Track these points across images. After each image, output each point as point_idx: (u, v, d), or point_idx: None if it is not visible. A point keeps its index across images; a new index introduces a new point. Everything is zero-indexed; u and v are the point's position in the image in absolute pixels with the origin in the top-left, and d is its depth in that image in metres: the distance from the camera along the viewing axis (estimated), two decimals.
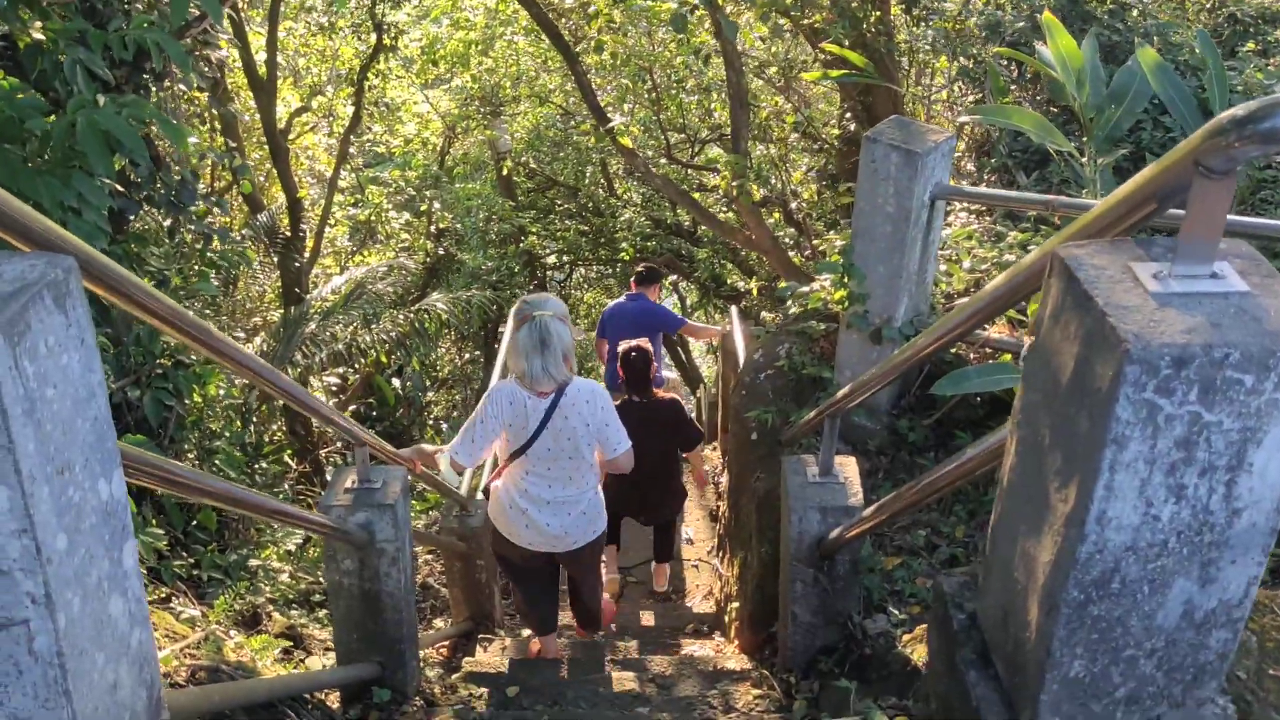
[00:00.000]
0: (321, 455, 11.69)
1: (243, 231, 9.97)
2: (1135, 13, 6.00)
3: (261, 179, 12.27)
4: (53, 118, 3.56)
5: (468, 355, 17.23)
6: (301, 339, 8.98)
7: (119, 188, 4.59)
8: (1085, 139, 4.27)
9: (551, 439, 3.85)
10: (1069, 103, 4.35)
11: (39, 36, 3.88)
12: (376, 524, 3.53)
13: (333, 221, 11.96)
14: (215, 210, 5.35)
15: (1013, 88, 5.65)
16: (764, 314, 10.01)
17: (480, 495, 4.90)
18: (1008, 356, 4.01)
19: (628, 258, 14.78)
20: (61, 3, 3.69)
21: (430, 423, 15.55)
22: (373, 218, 12.39)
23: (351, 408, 13.11)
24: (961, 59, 6.42)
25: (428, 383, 15.03)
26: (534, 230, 13.64)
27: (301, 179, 13.08)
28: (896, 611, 3.65)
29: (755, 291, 11.10)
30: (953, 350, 4.23)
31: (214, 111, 7.48)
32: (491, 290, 14.70)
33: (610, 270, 16.59)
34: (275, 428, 10.72)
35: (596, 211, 15.22)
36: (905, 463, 4.23)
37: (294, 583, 6.10)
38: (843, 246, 4.12)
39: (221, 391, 5.72)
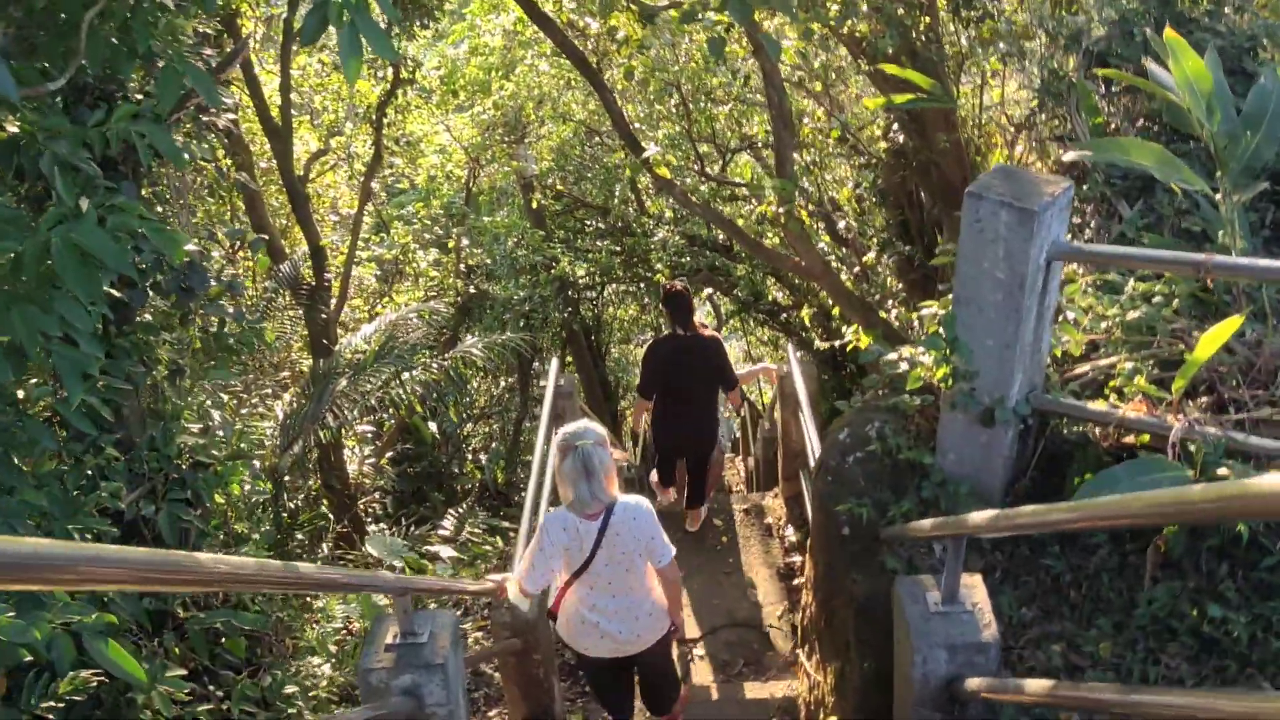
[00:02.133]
0: (360, 509, 11.24)
1: (265, 284, 9.53)
2: (1230, 10, 5.39)
3: (282, 221, 11.84)
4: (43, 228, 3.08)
5: (503, 383, 16.75)
6: (332, 397, 8.50)
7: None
8: (1219, 173, 3.68)
9: (607, 555, 4.11)
10: (1194, 130, 3.77)
11: (13, 129, 3.40)
12: (425, 687, 3.02)
13: (357, 261, 11.49)
14: (228, 293, 4.84)
15: (1101, 104, 5.05)
16: (818, 343, 9.44)
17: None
18: (1145, 436, 3.44)
19: (663, 279, 14.23)
20: (35, 96, 3.19)
21: (470, 457, 15.09)
22: (399, 257, 11.91)
23: (389, 453, 12.68)
24: (1033, 70, 5.83)
25: (464, 417, 14.57)
26: (565, 258, 13.10)
27: (324, 217, 12.63)
28: None
29: (808, 319, 10.56)
30: (1077, 428, 3.66)
31: (227, 178, 7.00)
32: (524, 320, 14.22)
33: (644, 289, 16.01)
34: (311, 484, 10.30)
35: (628, 231, 14.68)
36: (1026, 561, 3.66)
37: (335, 676, 5.62)
38: (944, 317, 3.56)
39: (246, 486, 5.23)
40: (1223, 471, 2.99)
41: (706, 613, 6.77)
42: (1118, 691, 2.01)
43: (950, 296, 3.65)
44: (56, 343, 3.07)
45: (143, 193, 4.61)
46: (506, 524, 11.75)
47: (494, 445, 15.64)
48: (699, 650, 6.54)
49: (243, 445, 5.21)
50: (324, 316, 9.55)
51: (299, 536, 8.17)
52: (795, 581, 6.94)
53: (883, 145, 8.91)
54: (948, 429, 3.76)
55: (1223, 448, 3.12)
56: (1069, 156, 4.12)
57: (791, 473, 7.68)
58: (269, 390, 10.10)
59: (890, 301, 9.33)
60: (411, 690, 3.00)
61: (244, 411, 8.98)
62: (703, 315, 24.21)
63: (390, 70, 10.24)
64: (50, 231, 2.85)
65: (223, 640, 4.29)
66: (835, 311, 9.49)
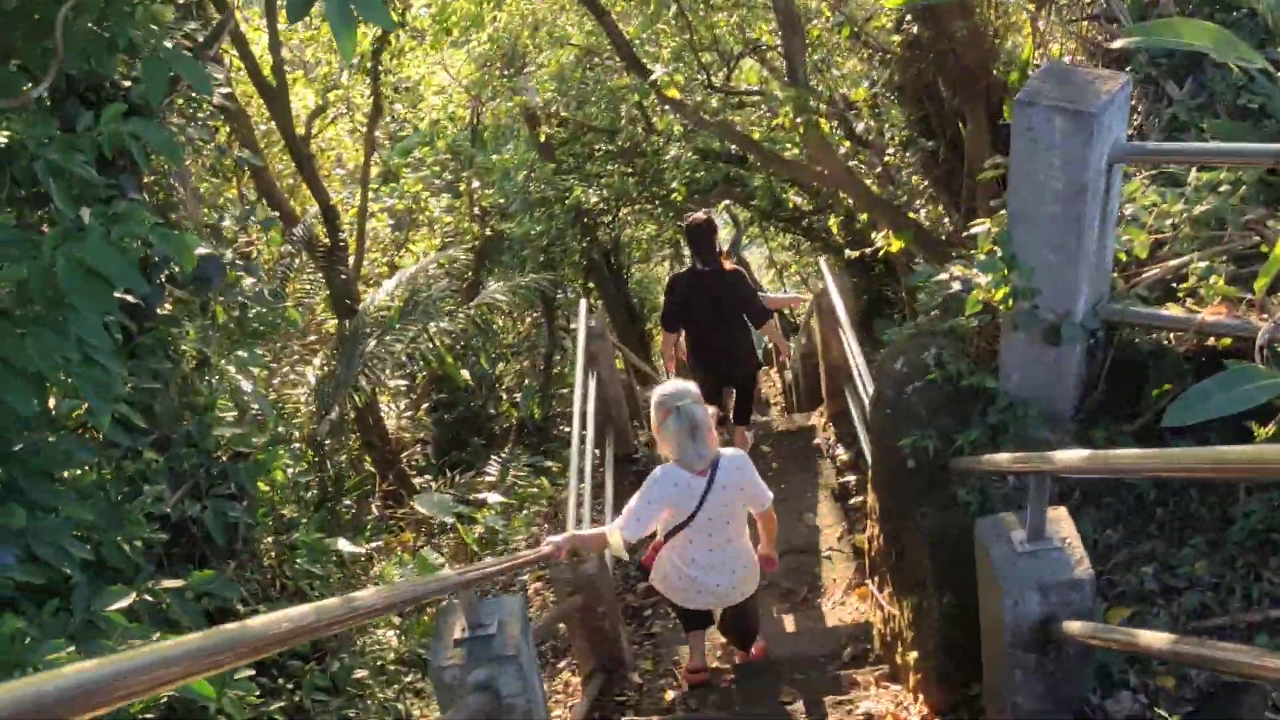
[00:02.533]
0: (403, 463, 11.21)
1: (282, 248, 9.35)
2: None
3: (289, 182, 11.62)
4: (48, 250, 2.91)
5: (529, 319, 16.60)
6: (362, 358, 8.38)
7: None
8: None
9: (711, 509, 4.21)
10: (1250, 2, 3.50)
11: (2, 139, 3.22)
12: (500, 679, 2.91)
13: (370, 214, 11.29)
14: (246, 275, 4.68)
15: None
16: (847, 251, 9.19)
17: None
18: (1227, 340, 3.24)
19: (681, 198, 13.94)
20: (19, 105, 3.00)
21: (504, 396, 15.01)
22: (411, 206, 11.68)
23: (424, 404, 12.62)
24: None
25: (494, 358, 14.46)
26: (578, 187, 12.82)
27: (330, 173, 12.39)
28: (1141, 683, 2.97)
29: (836, 229, 10.29)
30: (1151, 335, 3.46)
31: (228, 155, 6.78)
32: (543, 254, 14.00)
33: (661, 209, 15.72)
34: (351, 445, 10.24)
35: (638, 152, 14.35)
36: (1106, 480, 3.49)
37: (400, 647, 5.58)
38: (998, 235, 3.35)
39: (289, 470, 5.13)
40: None
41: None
42: (1253, 655, 1.85)
43: (1003, 212, 3.44)
44: (77, 364, 2.93)
45: (145, 181, 4.44)
46: (549, 463, 11.72)
47: (527, 382, 15.56)
48: (761, 581, 6.46)
49: (280, 428, 5.10)
50: (343, 276, 9.38)
51: (346, 502, 8.12)
52: (851, 501, 6.82)
53: (896, 39, 8.54)
54: (1010, 350, 3.57)
55: None
56: (1118, 44, 3.85)
57: (835, 389, 7.53)
58: (298, 356, 10.00)
59: (918, 201, 9.05)
60: (486, 684, 2.90)
61: (276, 382, 8.90)
62: (720, 224, 23.93)
63: None
64: (55, 251, 2.69)
65: None
66: (863, 218, 9.22)
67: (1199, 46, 3.46)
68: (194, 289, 4.48)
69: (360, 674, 4.33)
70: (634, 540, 4.29)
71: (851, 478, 7.00)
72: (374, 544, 8.41)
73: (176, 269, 4.32)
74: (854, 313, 7.05)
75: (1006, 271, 3.33)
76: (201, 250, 3.61)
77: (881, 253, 8.43)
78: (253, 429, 4.55)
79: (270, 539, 4.67)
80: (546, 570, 5.72)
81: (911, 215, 8.50)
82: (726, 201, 16.97)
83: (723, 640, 5.40)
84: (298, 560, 4.56)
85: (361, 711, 4.09)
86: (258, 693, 3.65)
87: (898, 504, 4.00)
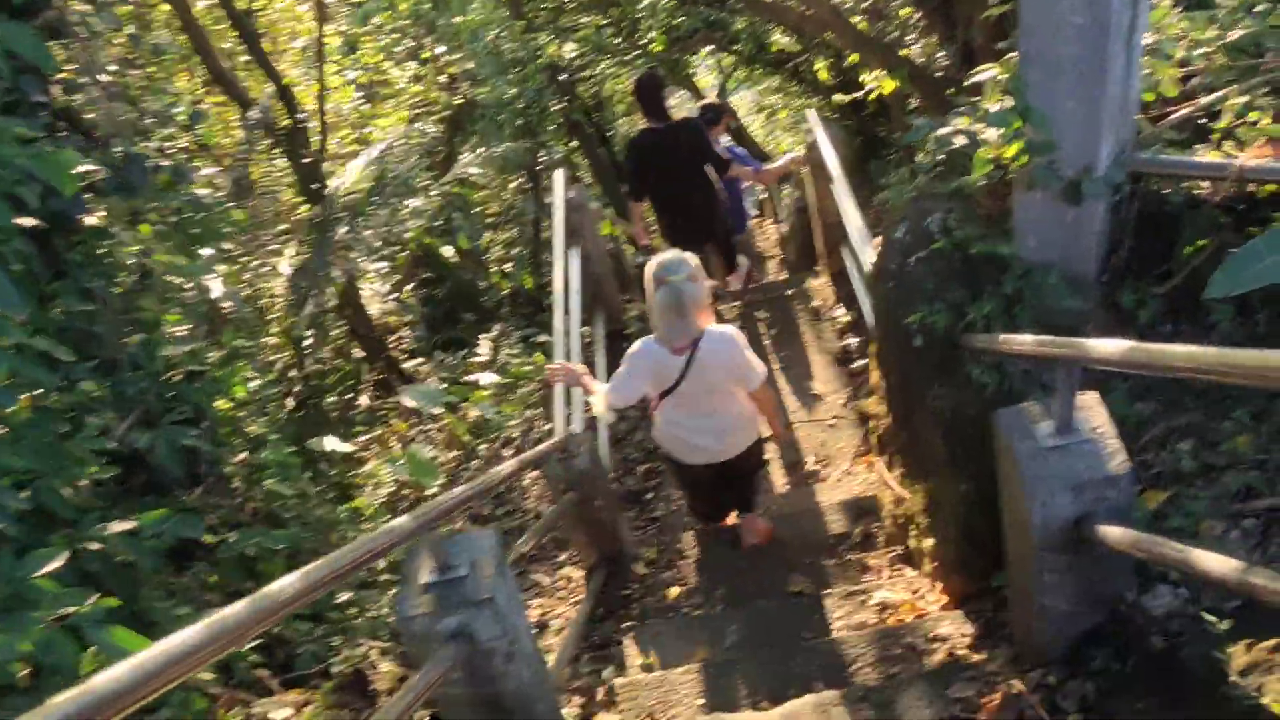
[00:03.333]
0: (392, 348, 10.88)
1: (240, 137, 8.85)
2: None
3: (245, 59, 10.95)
4: None
5: (514, 183, 16.04)
6: (333, 246, 7.98)
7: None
8: None
9: (693, 383, 4.16)
10: None
11: None
12: (475, 624, 2.63)
13: (331, 90, 10.68)
14: (176, 180, 4.25)
15: None
16: (837, 95, 8.65)
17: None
18: (1270, 186, 2.86)
19: (659, 48, 13.23)
20: None
21: (494, 267, 14.59)
22: (374, 79, 11.03)
23: (409, 286, 12.21)
24: None
25: (478, 230, 14.00)
26: (551, 43, 12.12)
27: (289, 48, 11.69)
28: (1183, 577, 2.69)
29: (826, 75, 9.68)
30: (1182, 185, 3.07)
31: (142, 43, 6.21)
32: (521, 119, 13.37)
33: (642, 60, 14.98)
34: (335, 335, 9.91)
35: (613, 1, 13.57)
36: None
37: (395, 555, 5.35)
38: (1008, 81, 2.92)
39: (254, 384, 4.80)
40: None
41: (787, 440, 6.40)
42: None
43: (1013, 55, 3.01)
44: None
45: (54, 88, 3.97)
46: (544, 336, 11.40)
47: (516, 251, 15.11)
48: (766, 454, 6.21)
49: (241, 340, 4.75)
50: (307, 159, 8.89)
51: (330, 399, 7.84)
52: (853, 366, 6.51)
53: None
54: (1025, 210, 3.18)
55: None
56: None
57: (832, 247, 7.14)
58: (272, 247, 9.59)
59: (910, 35, 8.47)
60: (461, 631, 2.62)
61: (247, 277, 8.51)
62: (705, 71, 23.01)
63: None
64: None
65: (259, 564, 3.95)
66: (852, 58, 8.64)
67: None
68: (120, 195, 4.08)
69: (345, 595, 4.09)
70: (621, 406, 4.46)
71: (853, 340, 6.68)
72: (365, 438, 8.19)
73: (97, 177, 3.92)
74: (847, 159, 6.59)
75: (1020, 123, 2.92)
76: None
77: (874, 94, 7.92)
78: (203, 345, 4.20)
79: (238, 460, 4.37)
80: (544, 476, 5.45)
81: (904, 52, 7.95)
82: (710, 48, 16.20)
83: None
84: (265, 481, 4.26)
85: (348, 639, 3.84)
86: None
87: (906, 384, 3.67)
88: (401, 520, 2.46)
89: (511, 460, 4.00)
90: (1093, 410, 2.62)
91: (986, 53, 7.50)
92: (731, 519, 5.20)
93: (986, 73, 3.19)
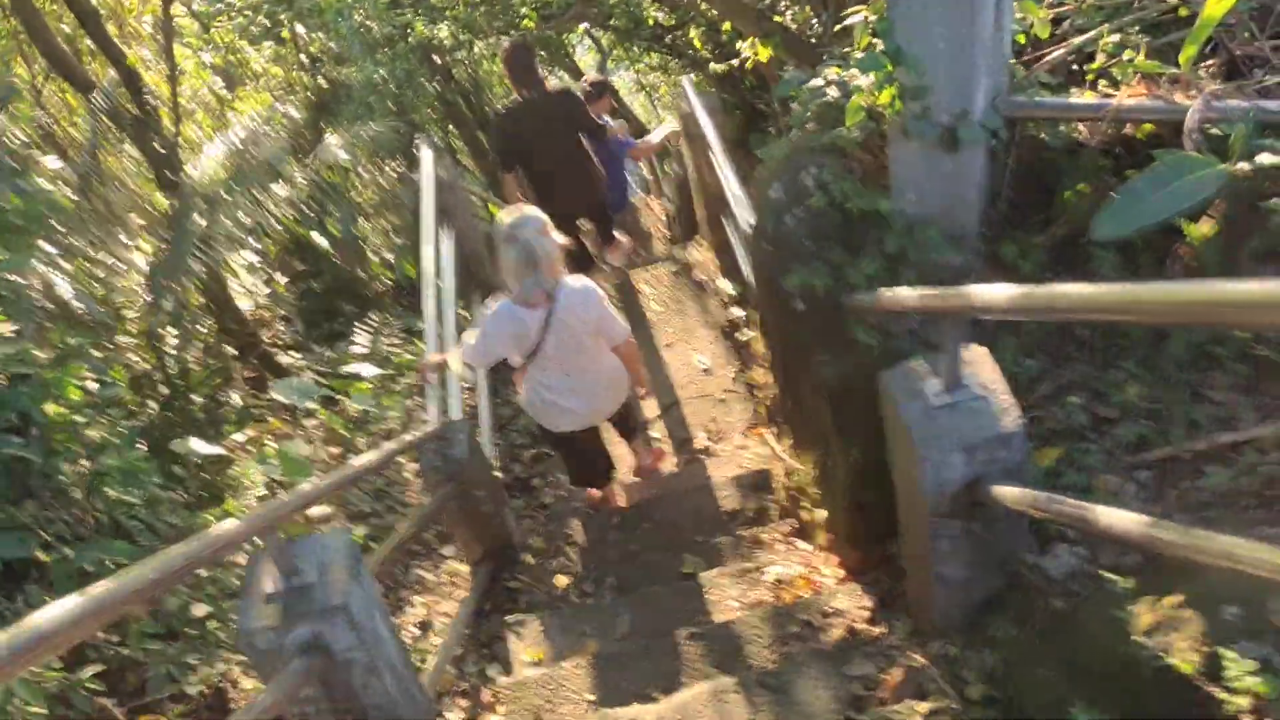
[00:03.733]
0: (265, 341, 10.41)
1: (79, 119, 8.30)
2: None
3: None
4: None
5: (388, 169, 15.57)
6: (192, 240, 7.52)
7: None
8: None
9: (555, 340, 4.07)
10: None
11: None
12: (329, 635, 2.38)
13: (182, 73, 10.13)
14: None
15: None
16: (713, 65, 8.49)
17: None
18: (1147, 126, 2.76)
19: (531, 25, 12.92)
20: None
21: (373, 256, 14.13)
22: (229, 60, 10.49)
23: (284, 279, 11.71)
24: None
25: (353, 217, 13.52)
26: (420, 22, 11.72)
27: (136, 30, 11.05)
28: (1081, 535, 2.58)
29: (699, 44, 9.50)
30: (1060, 129, 2.95)
31: None
32: (394, 100, 12.93)
33: (517, 37, 14.63)
34: (206, 333, 9.42)
35: None
36: None
37: None
38: (877, 24, 2.76)
39: (94, 385, 4.41)
40: (1265, 158, 2.33)
41: (655, 391, 6.21)
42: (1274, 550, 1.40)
43: None
44: None
45: None
46: (424, 324, 11.03)
47: (398, 241, 14.67)
48: (655, 432, 6.03)
49: (71, 342, 4.37)
50: (160, 147, 8.39)
51: (196, 400, 7.39)
52: (740, 336, 6.37)
53: None
54: (902, 162, 3.04)
55: (1253, 124, 2.44)
56: None
57: (715, 219, 6.97)
58: (128, 242, 9.04)
59: (783, 2, 8.36)
60: (313, 643, 2.37)
61: (100, 274, 8.00)
62: (584, 52, 22.72)
63: None
64: None
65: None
66: (726, 28, 8.49)
67: None
68: None
69: (201, 611, 3.77)
70: (481, 367, 4.32)
71: (740, 312, 6.53)
72: (239, 437, 7.77)
73: None
74: (727, 131, 6.43)
75: (891, 67, 2.76)
76: None
77: (749, 64, 7.78)
78: (26, 346, 3.82)
79: (77, 468, 4.00)
80: (420, 472, 5.17)
81: (777, 18, 7.83)
82: (585, 25, 15.93)
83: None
84: (107, 489, 3.90)
85: (204, 658, 3.53)
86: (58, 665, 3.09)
87: (790, 350, 3.51)
88: (228, 524, 2.19)
89: (374, 452, 3.72)
90: (982, 365, 2.48)
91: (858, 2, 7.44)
92: (618, 493, 5.26)
93: (855, 16, 3.03)
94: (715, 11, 8.12)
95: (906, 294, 2.57)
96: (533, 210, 4.00)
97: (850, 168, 3.26)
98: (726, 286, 6.79)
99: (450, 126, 16.54)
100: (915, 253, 3.08)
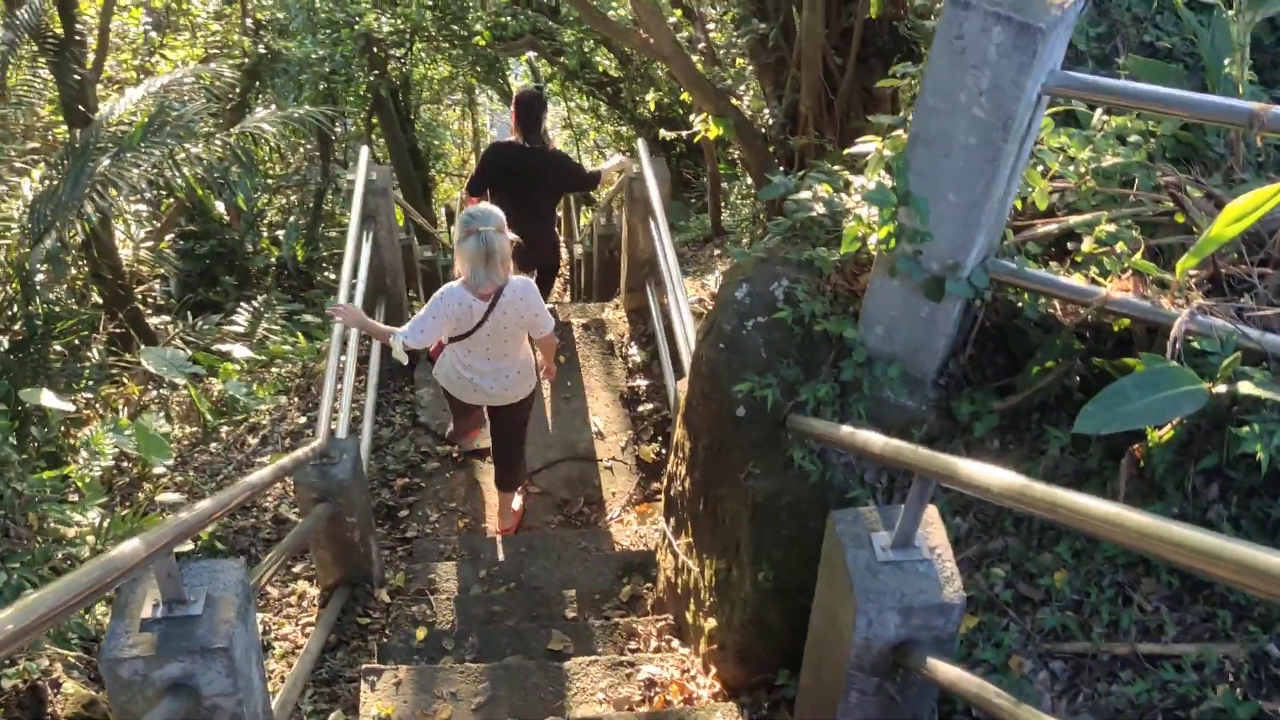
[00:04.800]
0: (138, 297, 9.85)
1: None
2: None
3: None
4: None
5: (302, 149, 15.09)
6: (91, 178, 7.08)
7: None
8: None
9: (491, 328, 4.54)
10: None
11: None
12: (202, 676, 2.16)
13: (119, 7, 9.63)
14: None
15: None
16: (662, 131, 8.48)
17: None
18: (1124, 323, 2.79)
19: (483, 42, 12.77)
20: None
21: (265, 233, 13.62)
22: (171, 5, 10.04)
23: (169, 235, 11.17)
24: None
25: (257, 190, 13.03)
26: (370, 13, 11.44)
27: None
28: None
29: (653, 106, 9.51)
30: (1039, 301, 2.96)
31: None
32: (325, 83, 12.57)
33: (460, 51, 14.44)
34: (74, 275, 8.86)
35: None
36: (958, 455, 3.02)
37: (116, 524, 4.68)
38: (895, 160, 2.73)
39: None
40: (1245, 387, 2.36)
41: (543, 444, 6.06)
42: None
43: (900, 134, 2.83)
44: None
45: None
46: (309, 316, 10.61)
47: (292, 220, 14.19)
48: (534, 487, 5.87)
49: None
50: (78, 76, 7.91)
51: (57, 347, 6.91)
52: (639, 409, 6.28)
53: None
54: (879, 297, 3.00)
55: (1233, 345, 2.48)
56: None
57: (637, 283, 6.91)
58: (15, 163, 8.48)
59: (741, 87, 8.42)
60: (183, 682, 2.15)
61: None
62: (519, 76, 22.58)
63: None
64: None
65: None
66: (684, 97, 8.50)
67: None
68: None
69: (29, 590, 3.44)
70: (416, 348, 4.56)
71: (643, 382, 6.45)
72: (89, 396, 7.30)
73: None
74: (668, 197, 6.40)
75: (896, 207, 2.73)
76: None
77: (697, 139, 7.80)
78: None
79: None
80: (295, 487, 4.91)
81: (735, 102, 7.88)
82: (531, 54, 15.83)
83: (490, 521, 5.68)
84: None
85: (28, 651, 3.21)
86: None
87: (718, 453, 3.42)
88: (129, 546, 1.97)
89: (268, 468, 3.48)
90: (934, 529, 2.44)
91: (815, 117, 7.54)
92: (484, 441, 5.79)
93: (865, 145, 3.00)
94: (678, 79, 8.11)
95: (873, 439, 2.51)
96: (493, 208, 4.45)
97: (822, 288, 3.22)
98: (635, 353, 6.71)
99: (374, 119, 16.19)
100: (871, 387, 3.04)
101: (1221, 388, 2.39)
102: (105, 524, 4.49)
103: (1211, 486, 2.63)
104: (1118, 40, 3.76)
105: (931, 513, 2.48)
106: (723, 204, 10.20)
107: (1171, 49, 3.58)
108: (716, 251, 9.37)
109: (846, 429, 2.70)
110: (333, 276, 12.49)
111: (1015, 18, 2.38)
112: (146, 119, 7.30)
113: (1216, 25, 3.09)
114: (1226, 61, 2.99)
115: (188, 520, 2.30)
